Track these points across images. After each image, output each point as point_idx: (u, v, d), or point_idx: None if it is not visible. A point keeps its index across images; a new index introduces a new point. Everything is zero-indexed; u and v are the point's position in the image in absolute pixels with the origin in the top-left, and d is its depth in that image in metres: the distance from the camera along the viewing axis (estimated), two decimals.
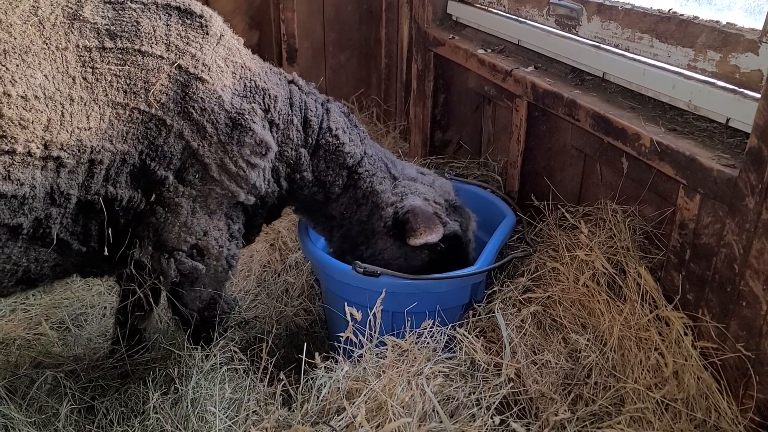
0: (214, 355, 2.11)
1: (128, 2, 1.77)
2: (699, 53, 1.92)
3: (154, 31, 1.77)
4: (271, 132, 2.01)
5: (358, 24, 3.92)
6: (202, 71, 1.81)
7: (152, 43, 1.76)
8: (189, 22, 1.84)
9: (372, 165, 2.29)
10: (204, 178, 1.87)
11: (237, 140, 1.88)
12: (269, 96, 1.99)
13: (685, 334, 1.92)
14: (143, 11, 1.78)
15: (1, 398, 1.99)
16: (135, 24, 1.75)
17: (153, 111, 1.75)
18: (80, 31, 1.69)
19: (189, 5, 1.86)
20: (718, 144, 1.89)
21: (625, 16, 2.19)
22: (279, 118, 2.04)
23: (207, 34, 1.86)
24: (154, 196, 1.83)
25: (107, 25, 1.72)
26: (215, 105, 1.83)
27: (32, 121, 1.58)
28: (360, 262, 2.23)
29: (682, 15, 2.00)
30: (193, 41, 1.82)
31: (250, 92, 1.94)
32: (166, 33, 1.78)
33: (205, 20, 1.86)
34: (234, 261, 2.08)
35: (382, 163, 2.36)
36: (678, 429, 1.79)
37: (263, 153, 1.95)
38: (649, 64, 2.12)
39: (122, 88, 1.72)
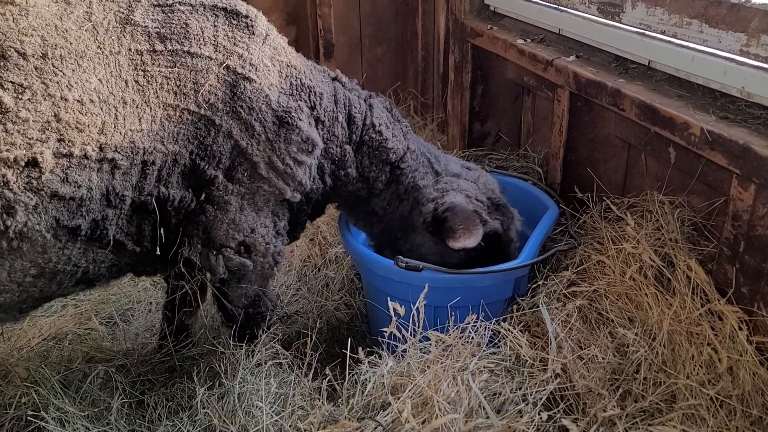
0: (259, 351, 2.13)
1: (177, 4, 1.79)
2: (752, 38, 1.85)
3: (203, 32, 1.79)
4: (317, 129, 2.02)
5: (394, 17, 3.91)
6: (250, 71, 1.83)
7: (201, 44, 1.78)
8: (235, 22, 1.86)
9: (414, 160, 2.28)
10: (252, 176, 1.89)
11: (284, 138, 1.89)
12: (315, 93, 2.01)
13: (740, 328, 1.86)
14: (191, 13, 1.80)
15: (56, 392, 2.05)
16: (184, 26, 1.77)
17: (202, 111, 1.77)
18: (132, 35, 1.71)
19: (235, 6, 1.88)
20: None
21: (673, 1, 2.13)
22: (324, 116, 2.05)
23: (253, 33, 1.87)
24: (204, 195, 1.85)
25: (157, 27, 1.75)
26: (263, 104, 1.85)
27: (88, 125, 1.61)
28: (402, 257, 2.22)
29: None
30: (239, 41, 1.84)
31: (296, 90, 1.96)
32: (214, 34, 1.81)
33: (250, 20, 1.88)
34: (280, 258, 2.10)
35: (425, 158, 2.34)
36: (733, 426, 1.74)
37: (309, 150, 1.96)
38: (699, 51, 2.06)
39: (172, 89, 1.74)
